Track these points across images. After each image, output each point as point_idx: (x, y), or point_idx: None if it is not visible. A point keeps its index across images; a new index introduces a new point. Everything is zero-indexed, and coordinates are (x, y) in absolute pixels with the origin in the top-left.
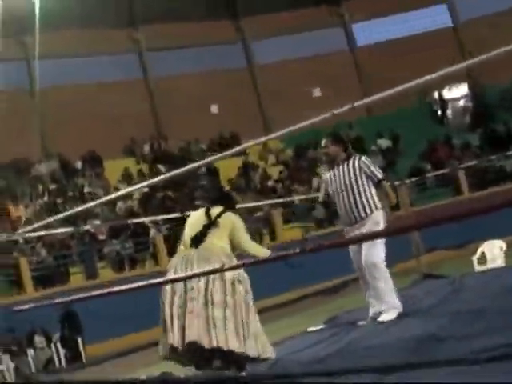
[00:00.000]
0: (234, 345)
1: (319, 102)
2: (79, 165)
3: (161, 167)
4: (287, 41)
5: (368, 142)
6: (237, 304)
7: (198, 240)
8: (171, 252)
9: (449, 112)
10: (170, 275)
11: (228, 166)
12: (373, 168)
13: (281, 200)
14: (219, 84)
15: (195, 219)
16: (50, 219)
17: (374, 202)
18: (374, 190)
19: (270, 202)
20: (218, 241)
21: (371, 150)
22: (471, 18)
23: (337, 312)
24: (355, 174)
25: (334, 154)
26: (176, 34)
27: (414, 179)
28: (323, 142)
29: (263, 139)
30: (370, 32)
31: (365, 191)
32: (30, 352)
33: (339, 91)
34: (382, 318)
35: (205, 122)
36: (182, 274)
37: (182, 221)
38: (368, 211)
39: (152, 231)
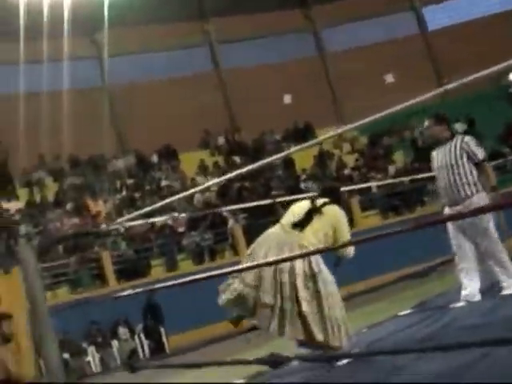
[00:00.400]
0: (319, 337)
1: (392, 88)
2: (155, 159)
3: (236, 159)
4: (357, 27)
5: None
6: (319, 297)
7: (299, 225)
8: (250, 242)
9: None
10: (259, 254)
11: (303, 156)
12: (474, 148)
13: (359, 185)
14: (291, 74)
15: (299, 208)
16: (148, 209)
17: (475, 184)
18: (475, 172)
19: (348, 188)
20: (318, 228)
21: None
22: None
23: (426, 296)
24: (458, 154)
25: (437, 133)
26: (246, 25)
27: (493, 162)
28: (426, 123)
29: (344, 129)
30: (440, 15)
31: (466, 173)
32: (115, 343)
33: (412, 76)
34: (506, 292)
35: (278, 113)
36: (273, 257)
37: (259, 211)
38: (469, 192)
39: (230, 222)
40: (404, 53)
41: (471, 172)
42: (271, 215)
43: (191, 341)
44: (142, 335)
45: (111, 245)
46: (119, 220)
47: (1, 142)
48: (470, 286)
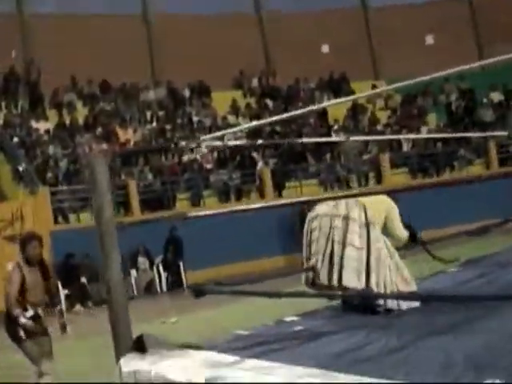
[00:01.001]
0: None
1: (431, 50)
2: (187, 93)
3: (268, 102)
4: None
5: (480, 95)
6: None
7: None
8: (277, 186)
9: None
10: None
11: (337, 107)
12: None
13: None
14: (332, 24)
15: None
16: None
17: None
18: None
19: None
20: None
21: (483, 103)
22: None
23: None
24: None
25: None
26: None
27: None
28: None
29: (385, 88)
30: None
31: None
32: (133, 273)
33: (453, 40)
34: None
35: (315, 61)
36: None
37: (288, 157)
38: None
39: (259, 164)
40: (448, 16)
41: None
42: (300, 162)
43: (209, 278)
44: (161, 267)
45: (138, 174)
46: (201, 138)
47: (33, 61)
48: None
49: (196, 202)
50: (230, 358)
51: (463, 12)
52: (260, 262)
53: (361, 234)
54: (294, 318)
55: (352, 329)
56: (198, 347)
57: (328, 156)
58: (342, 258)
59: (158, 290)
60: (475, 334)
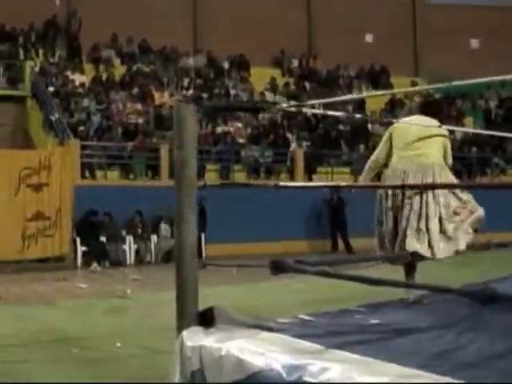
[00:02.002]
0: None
1: (474, 55)
2: (226, 65)
3: (307, 84)
4: None
5: None
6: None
7: (413, 148)
8: (308, 169)
9: None
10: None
11: (375, 99)
12: None
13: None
14: (379, 14)
15: (405, 130)
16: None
17: None
18: None
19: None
20: (433, 150)
21: None
22: None
23: None
24: None
25: None
26: None
27: None
28: None
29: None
30: None
31: None
32: (154, 238)
33: (498, 47)
34: None
35: (358, 49)
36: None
37: (322, 141)
38: None
39: (293, 145)
40: (496, 23)
41: None
42: (334, 149)
43: (227, 255)
44: None
45: (171, 139)
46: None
47: (76, 13)
48: None
49: (224, 174)
50: (311, 345)
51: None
52: (282, 244)
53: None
54: (360, 309)
55: (438, 328)
56: (270, 328)
57: (362, 147)
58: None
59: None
60: None
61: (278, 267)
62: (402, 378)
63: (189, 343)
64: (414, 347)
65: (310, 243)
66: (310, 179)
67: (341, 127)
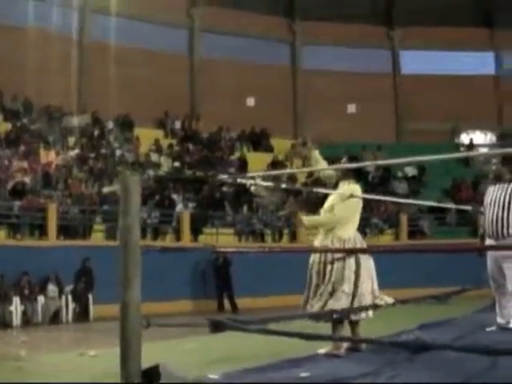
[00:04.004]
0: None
1: (351, 118)
2: (111, 125)
3: (190, 146)
4: (338, 52)
5: (395, 168)
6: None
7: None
8: (194, 229)
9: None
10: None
11: (257, 160)
12: None
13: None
14: (260, 79)
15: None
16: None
17: None
18: None
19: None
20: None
21: (397, 176)
22: None
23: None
24: (510, 194)
25: (499, 172)
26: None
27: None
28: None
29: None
30: (415, 61)
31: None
32: (41, 299)
33: (372, 111)
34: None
35: (240, 112)
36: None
37: (207, 202)
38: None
39: (179, 206)
40: (371, 89)
41: None
42: (218, 210)
43: (114, 316)
44: (70, 297)
45: (58, 199)
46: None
47: None
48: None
49: (112, 234)
50: None
51: (385, 88)
52: (168, 304)
53: None
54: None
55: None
56: None
57: (245, 207)
58: None
59: (64, 319)
60: None
61: (216, 325)
62: None
63: None
64: None
65: (194, 303)
66: (196, 240)
67: (224, 189)
